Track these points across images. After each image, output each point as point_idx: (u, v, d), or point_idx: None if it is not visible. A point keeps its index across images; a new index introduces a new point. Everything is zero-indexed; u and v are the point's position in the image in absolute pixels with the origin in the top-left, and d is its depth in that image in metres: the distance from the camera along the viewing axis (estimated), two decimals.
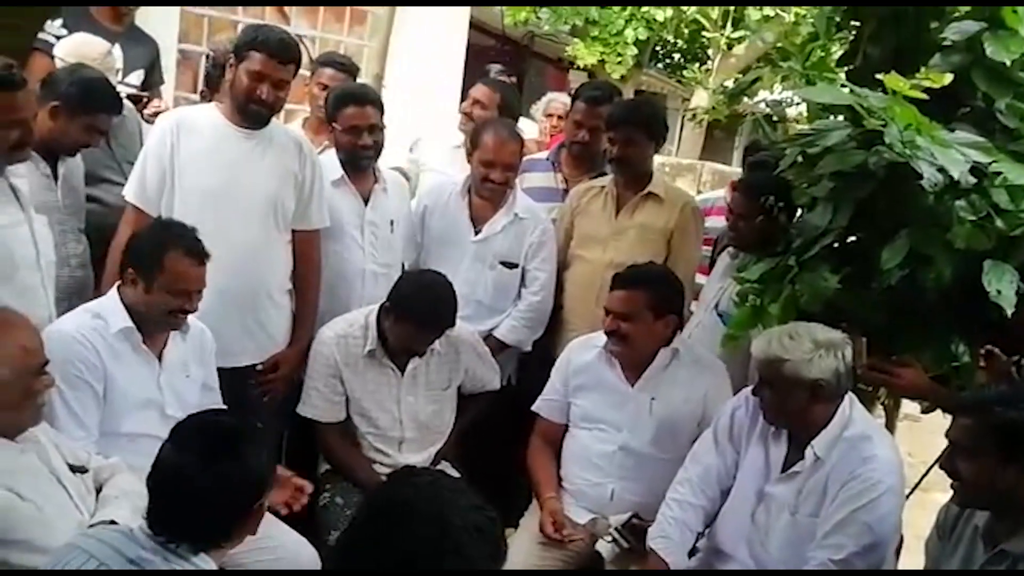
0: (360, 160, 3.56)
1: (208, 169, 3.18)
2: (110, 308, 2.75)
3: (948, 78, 2.52)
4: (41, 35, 4.07)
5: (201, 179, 3.16)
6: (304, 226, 3.36)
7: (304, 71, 3.68)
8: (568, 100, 5.61)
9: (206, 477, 1.89)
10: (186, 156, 3.17)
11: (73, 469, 2.37)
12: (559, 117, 5.52)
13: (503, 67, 6.22)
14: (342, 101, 3.55)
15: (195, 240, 2.77)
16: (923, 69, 2.53)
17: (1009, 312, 2.55)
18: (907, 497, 3.26)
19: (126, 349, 2.74)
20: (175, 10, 5.24)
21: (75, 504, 2.32)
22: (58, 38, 3.97)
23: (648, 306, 3.14)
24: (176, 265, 2.71)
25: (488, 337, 3.66)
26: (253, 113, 3.20)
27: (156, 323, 2.78)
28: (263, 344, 3.34)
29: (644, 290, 3.14)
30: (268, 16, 5.95)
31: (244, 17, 5.79)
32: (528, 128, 5.21)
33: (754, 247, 3.35)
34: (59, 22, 4.10)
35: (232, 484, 1.92)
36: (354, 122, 3.50)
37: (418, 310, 3.18)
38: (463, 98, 4.35)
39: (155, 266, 2.70)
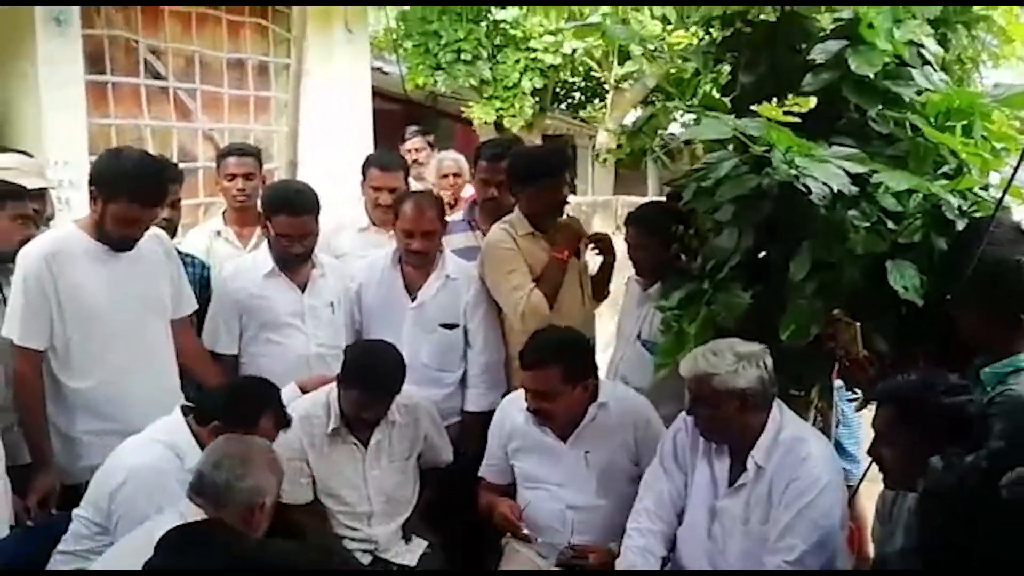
0: (291, 264, 3.65)
1: (93, 292, 3.20)
2: (186, 445, 2.88)
3: (812, 102, 2.66)
4: None
5: (89, 304, 3.19)
6: (180, 314, 3.47)
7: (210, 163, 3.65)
8: (457, 157, 5.82)
9: None
10: (69, 284, 3.16)
11: None
12: (454, 175, 5.69)
13: (418, 127, 6.33)
14: (276, 207, 3.60)
15: (284, 406, 3.01)
16: (790, 96, 2.69)
17: (919, 303, 2.70)
18: (857, 489, 3.40)
19: None
20: (82, 120, 5.24)
21: None
22: None
23: (563, 380, 3.14)
24: (267, 431, 2.90)
25: (464, 413, 3.74)
26: (124, 245, 3.23)
27: None
28: None
29: (554, 366, 3.13)
30: (173, 115, 6.00)
31: (150, 121, 5.83)
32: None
33: (653, 274, 3.52)
34: None
35: None
36: (287, 231, 3.57)
37: (361, 374, 3.23)
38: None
39: (249, 426, 2.85)
